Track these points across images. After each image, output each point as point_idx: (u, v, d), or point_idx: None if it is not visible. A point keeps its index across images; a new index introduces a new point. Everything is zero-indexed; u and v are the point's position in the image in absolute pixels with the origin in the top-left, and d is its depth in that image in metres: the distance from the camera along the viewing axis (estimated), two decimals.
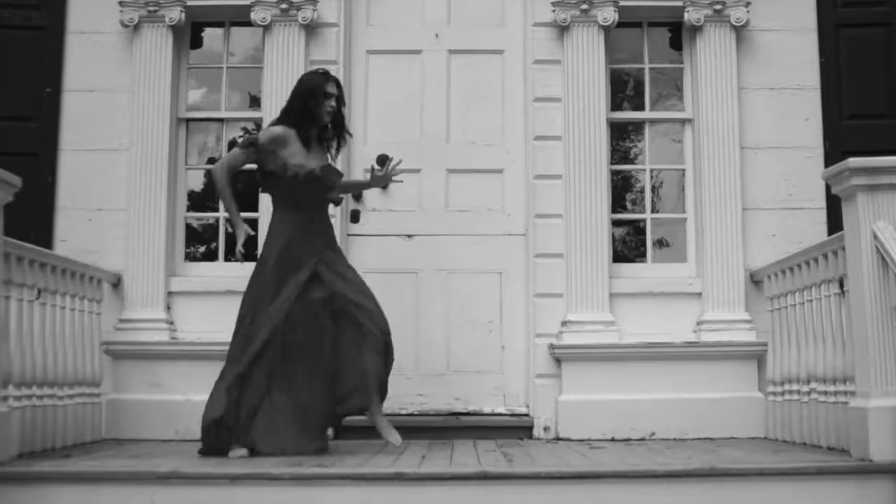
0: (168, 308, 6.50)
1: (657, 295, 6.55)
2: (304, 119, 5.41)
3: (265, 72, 6.66)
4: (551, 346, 6.41)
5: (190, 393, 6.02)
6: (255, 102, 6.92)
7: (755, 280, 6.46)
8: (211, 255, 6.79)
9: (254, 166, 5.49)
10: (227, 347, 5.31)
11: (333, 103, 5.45)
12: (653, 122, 6.89)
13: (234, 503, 4.29)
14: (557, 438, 6.29)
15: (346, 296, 5.32)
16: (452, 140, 6.79)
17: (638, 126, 6.93)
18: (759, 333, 6.36)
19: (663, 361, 6.35)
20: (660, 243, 6.85)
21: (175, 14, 6.64)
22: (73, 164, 6.62)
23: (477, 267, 6.67)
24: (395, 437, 5.35)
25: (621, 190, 6.93)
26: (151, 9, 6.62)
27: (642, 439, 6.19)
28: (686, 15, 6.68)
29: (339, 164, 6.58)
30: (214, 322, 6.22)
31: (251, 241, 5.76)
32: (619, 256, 6.78)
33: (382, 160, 6.65)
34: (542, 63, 6.72)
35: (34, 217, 6.46)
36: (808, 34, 6.77)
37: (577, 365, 6.35)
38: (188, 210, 6.78)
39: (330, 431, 5.81)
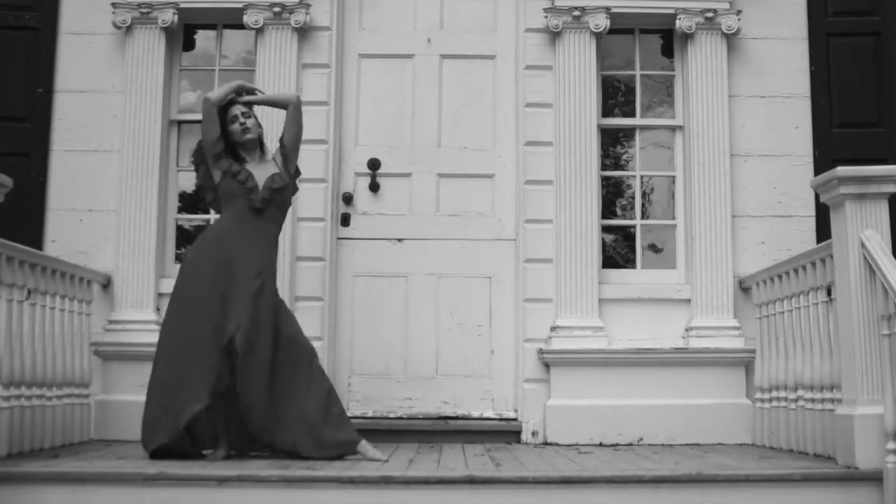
0: (158, 309, 6.49)
1: (646, 301, 6.57)
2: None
3: (257, 75, 6.66)
4: (540, 351, 6.42)
5: None
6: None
7: (744, 287, 6.48)
8: None
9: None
10: None
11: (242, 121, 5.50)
12: (643, 128, 6.91)
13: None
14: (545, 443, 6.30)
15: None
16: (443, 144, 6.80)
17: (629, 132, 6.95)
18: (748, 340, 6.38)
19: (651, 367, 6.36)
20: (649, 249, 6.87)
21: (168, 16, 6.64)
22: (65, 165, 6.62)
23: (467, 271, 6.68)
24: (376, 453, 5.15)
25: (612, 196, 6.95)
26: (144, 10, 6.63)
27: (630, 445, 6.21)
28: (678, 22, 6.70)
29: (330, 168, 6.61)
30: None
31: None
32: (608, 262, 6.79)
33: (374, 164, 6.69)
34: (534, 69, 6.74)
35: (24, 217, 6.45)
36: (799, 43, 6.80)
37: (566, 370, 6.37)
38: (179, 212, 6.78)
39: None
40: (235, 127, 5.44)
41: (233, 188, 5.34)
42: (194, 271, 5.27)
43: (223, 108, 5.46)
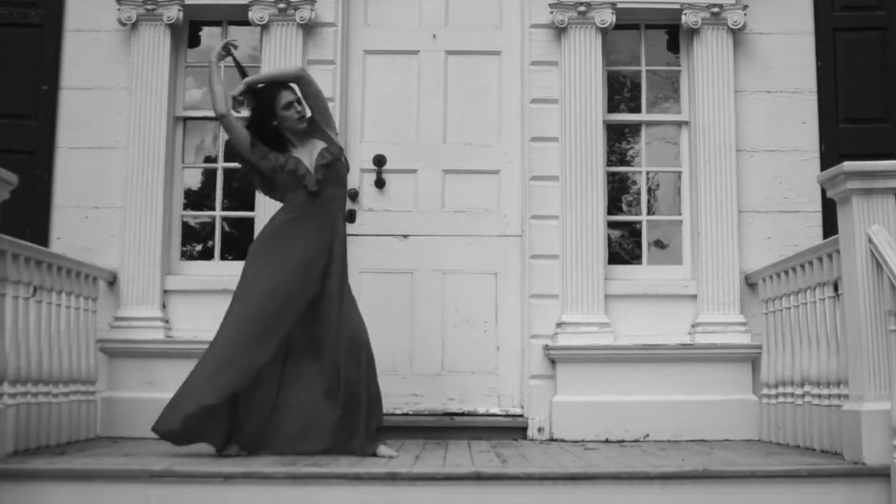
0: (164, 306, 6.50)
1: (652, 297, 6.56)
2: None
3: (263, 71, 6.64)
4: (546, 347, 6.42)
5: None
6: None
7: (750, 283, 6.47)
8: (207, 254, 6.79)
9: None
10: None
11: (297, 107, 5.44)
12: (649, 124, 6.90)
13: (228, 502, 4.30)
14: (552, 439, 6.30)
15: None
16: (449, 140, 6.79)
17: (634, 128, 6.94)
18: (754, 336, 6.37)
19: (658, 363, 6.35)
20: (655, 245, 6.86)
21: (173, 13, 6.64)
22: (70, 162, 6.62)
23: (472, 267, 6.67)
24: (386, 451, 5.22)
25: (617, 192, 6.94)
26: (149, 7, 6.63)
27: (636, 441, 6.20)
28: (683, 18, 6.69)
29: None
30: (209, 321, 6.16)
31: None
32: (614, 258, 6.78)
33: (379, 161, 6.68)
34: (540, 64, 6.73)
35: (30, 214, 6.46)
36: (805, 38, 6.78)
37: (572, 366, 6.36)
38: (184, 208, 6.79)
39: None
40: (291, 113, 5.36)
41: (287, 181, 5.34)
42: (260, 261, 5.28)
43: (271, 98, 5.38)
